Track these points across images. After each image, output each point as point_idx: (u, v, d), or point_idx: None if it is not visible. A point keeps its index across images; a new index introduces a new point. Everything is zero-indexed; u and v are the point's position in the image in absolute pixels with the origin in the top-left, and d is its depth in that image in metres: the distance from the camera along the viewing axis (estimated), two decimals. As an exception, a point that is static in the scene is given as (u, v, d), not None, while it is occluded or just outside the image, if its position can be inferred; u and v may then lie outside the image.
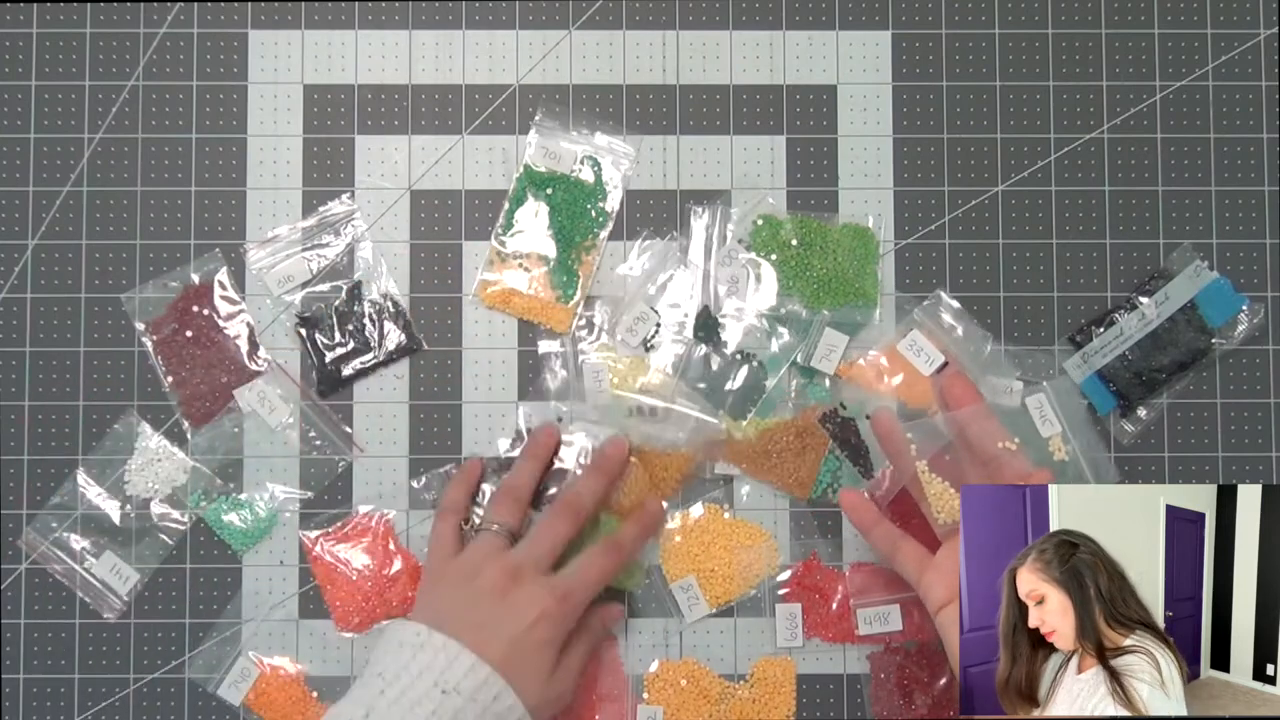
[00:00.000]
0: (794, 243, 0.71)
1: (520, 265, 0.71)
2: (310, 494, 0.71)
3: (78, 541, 0.70)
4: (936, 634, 0.69)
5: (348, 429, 0.71)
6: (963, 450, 0.65)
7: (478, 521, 0.68)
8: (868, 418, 0.69)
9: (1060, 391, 0.70)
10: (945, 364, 0.70)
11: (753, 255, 0.71)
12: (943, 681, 0.69)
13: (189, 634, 0.70)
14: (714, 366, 0.71)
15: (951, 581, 0.63)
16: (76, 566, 0.70)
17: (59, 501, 0.70)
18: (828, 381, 0.71)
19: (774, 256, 0.71)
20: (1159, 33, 0.73)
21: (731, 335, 0.71)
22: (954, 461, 0.66)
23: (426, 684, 0.59)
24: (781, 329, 0.71)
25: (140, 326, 0.71)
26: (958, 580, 0.62)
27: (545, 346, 0.71)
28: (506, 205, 0.71)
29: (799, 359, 0.71)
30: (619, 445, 0.69)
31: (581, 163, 0.71)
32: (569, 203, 0.71)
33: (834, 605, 0.70)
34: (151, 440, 0.71)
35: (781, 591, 0.71)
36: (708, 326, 0.71)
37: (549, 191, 0.71)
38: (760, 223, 0.71)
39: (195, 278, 0.71)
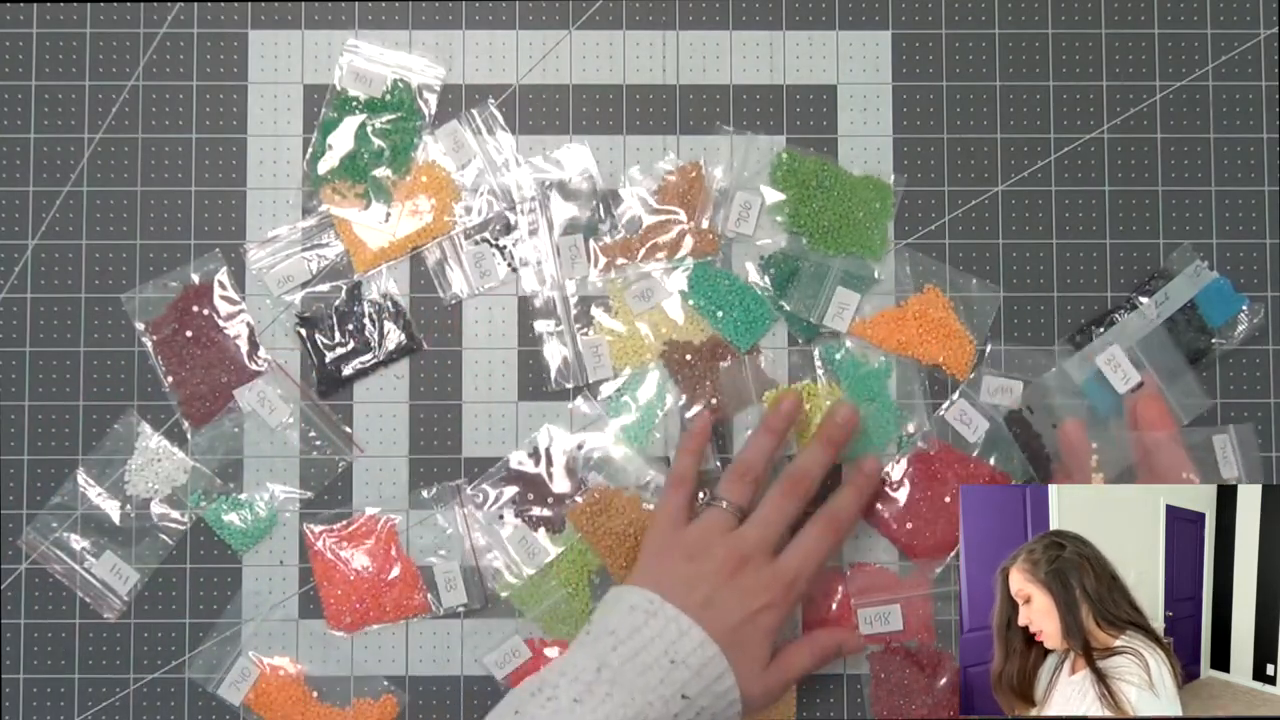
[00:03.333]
0: (813, 183, 0.71)
1: (336, 192, 0.71)
2: (310, 494, 0.71)
3: (78, 541, 0.70)
4: (936, 633, 0.69)
5: (348, 429, 0.71)
6: (1143, 473, 0.65)
7: (705, 496, 0.68)
8: (1054, 426, 0.68)
9: (1242, 435, 0.69)
10: (1141, 384, 0.68)
11: (766, 189, 0.71)
12: (943, 681, 0.69)
13: (189, 634, 0.70)
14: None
15: None
16: (76, 566, 0.70)
17: (59, 501, 0.70)
18: (849, 343, 0.71)
19: (791, 192, 0.71)
20: (1159, 33, 0.73)
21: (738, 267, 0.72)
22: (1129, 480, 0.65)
23: (657, 651, 0.58)
24: (773, 279, 0.71)
25: (140, 326, 0.71)
26: None
27: (541, 326, 0.71)
28: (317, 134, 0.71)
29: (811, 319, 0.71)
30: (850, 411, 0.67)
31: (392, 85, 0.71)
32: (385, 127, 0.71)
33: (834, 605, 0.70)
34: (151, 440, 0.71)
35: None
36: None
37: (361, 115, 0.71)
38: (785, 157, 0.72)
39: (195, 278, 0.71)
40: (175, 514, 0.71)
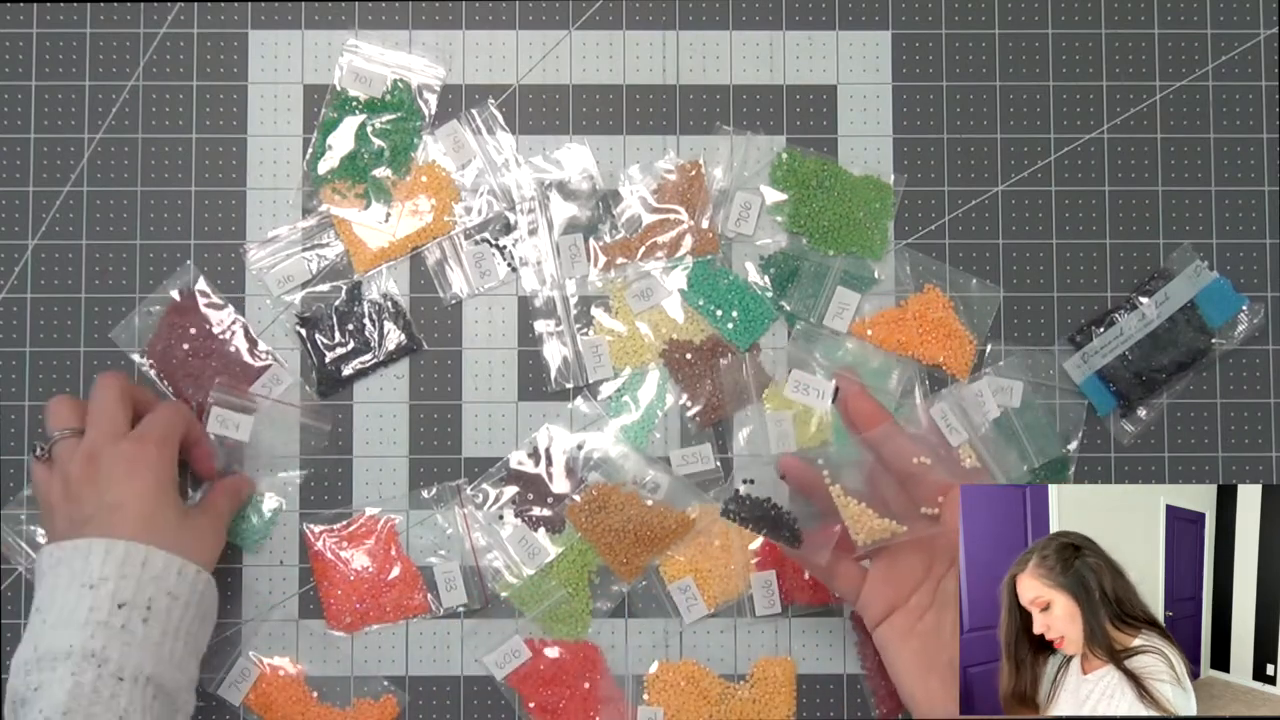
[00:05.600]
0: (813, 183, 0.71)
1: (336, 191, 0.71)
2: (310, 494, 0.71)
3: (78, 541, 0.70)
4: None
5: (326, 426, 0.71)
6: (879, 472, 0.63)
7: (41, 447, 0.65)
8: (783, 478, 0.65)
9: (965, 397, 0.69)
10: (837, 389, 0.68)
11: (766, 189, 0.72)
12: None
13: (189, 634, 0.70)
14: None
15: (888, 594, 0.62)
16: (76, 566, 0.70)
17: (59, 501, 0.70)
18: (849, 343, 0.71)
19: (791, 192, 0.71)
20: (1159, 33, 0.73)
21: (738, 266, 0.72)
22: (870, 482, 0.63)
23: (75, 588, 0.58)
24: (773, 279, 0.71)
25: (136, 357, 0.70)
26: (893, 596, 0.62)
27: (541, 326, 0.71)
28: (317, 134, 0.71)
29: (811, 319, 0.71)
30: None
31: (392, 85, 0.71)
32: (385, 127, 0.71)
33: (806, 571, 0.70)
34: (151, 440, 0.71)
35: (753, 561, 0.70)
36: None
37: (361, 115, 0.71)
38: (785, 157, 0.72)
39: (174, 294, 0.71)
40: (175, 514, 0.70)
